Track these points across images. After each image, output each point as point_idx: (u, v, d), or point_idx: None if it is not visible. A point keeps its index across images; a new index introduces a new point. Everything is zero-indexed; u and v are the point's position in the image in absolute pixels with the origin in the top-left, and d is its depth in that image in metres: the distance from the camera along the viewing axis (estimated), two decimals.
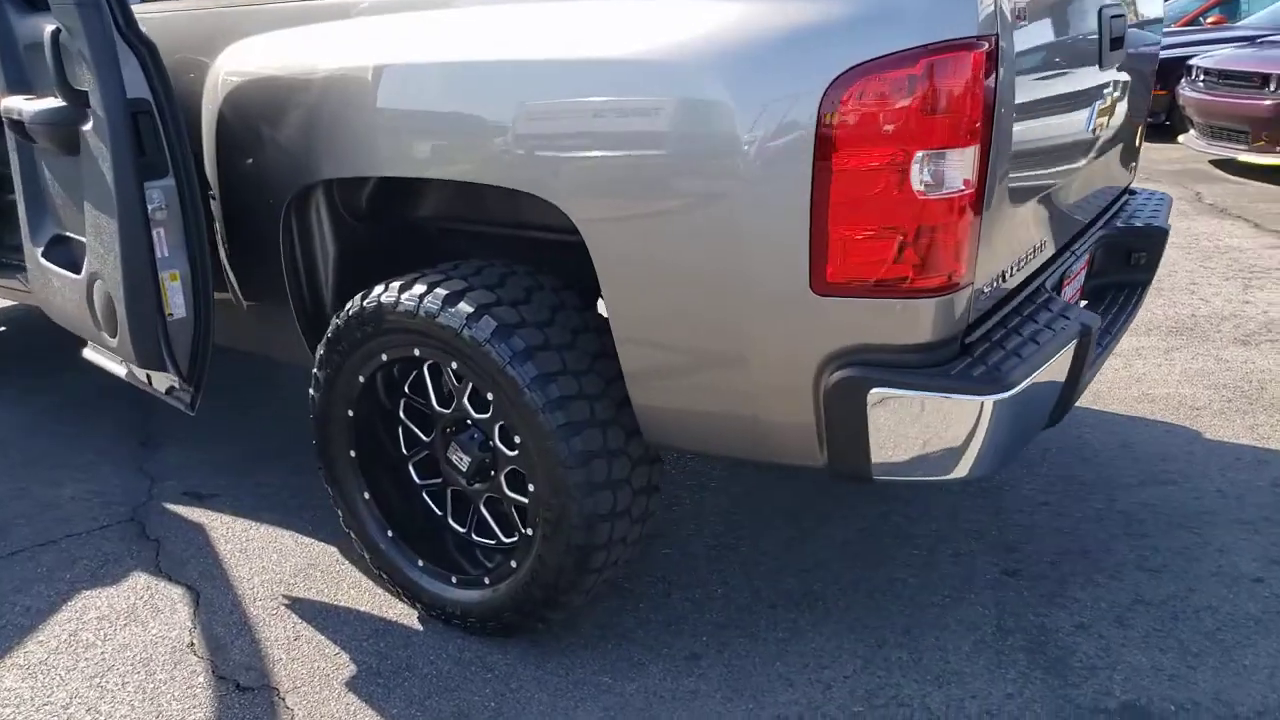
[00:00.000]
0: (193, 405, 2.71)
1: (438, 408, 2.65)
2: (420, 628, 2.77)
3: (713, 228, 2.01)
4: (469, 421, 2.61)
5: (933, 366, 1.99)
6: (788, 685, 2.49)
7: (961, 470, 2.02)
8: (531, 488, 2.43)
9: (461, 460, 2.62)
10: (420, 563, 2.74)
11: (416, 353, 2.52)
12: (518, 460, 2.50)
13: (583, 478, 2.33)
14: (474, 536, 2.76)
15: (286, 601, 2.91)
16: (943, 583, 2.89)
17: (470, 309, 2.37)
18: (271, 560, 3.13)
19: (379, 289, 2.53)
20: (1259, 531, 3.11)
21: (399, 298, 2.46)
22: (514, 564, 2.55)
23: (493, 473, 2.61)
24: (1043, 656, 2.56)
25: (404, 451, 2.83)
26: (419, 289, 2.45)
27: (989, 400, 1.93)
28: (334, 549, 3.18)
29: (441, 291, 2.42)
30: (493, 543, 2.72)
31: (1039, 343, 2.10)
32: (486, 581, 2.62)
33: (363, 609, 2.86)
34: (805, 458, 2.15)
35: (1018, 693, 2.43)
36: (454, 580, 2.68)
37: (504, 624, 2.60)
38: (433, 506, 2.83)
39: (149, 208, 2.49)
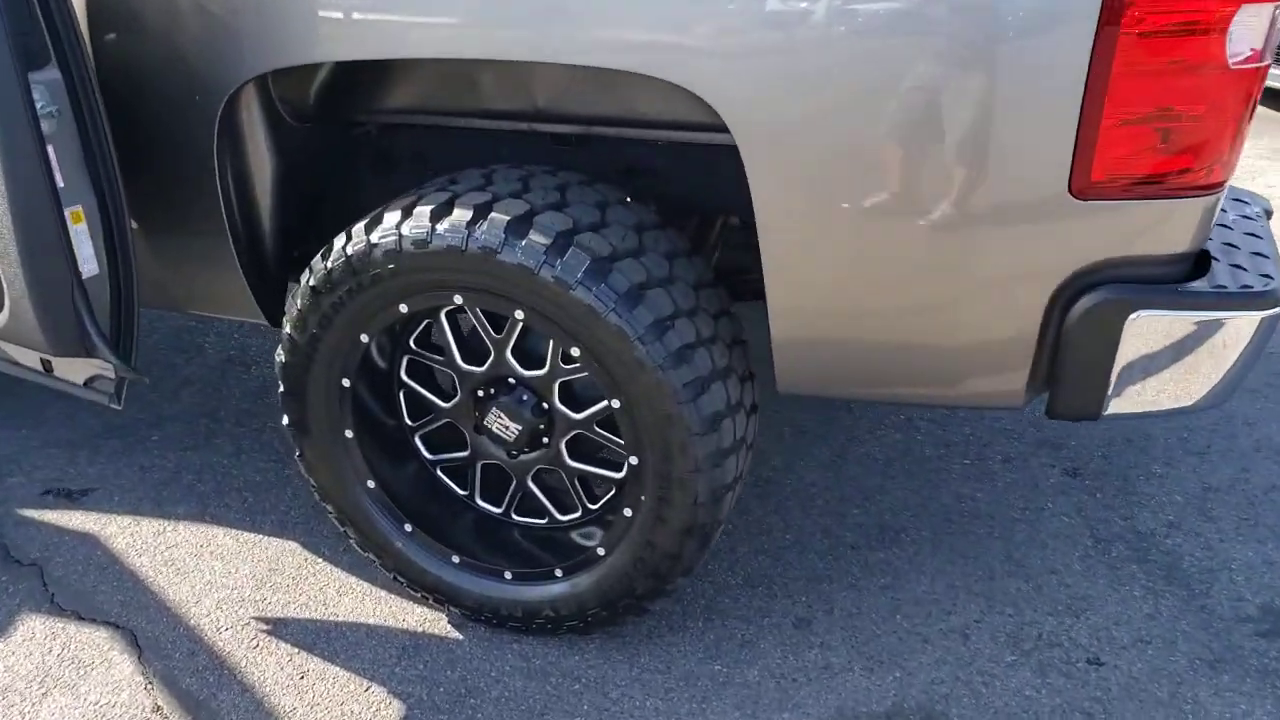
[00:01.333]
0: (120, 395, 1.95)
1: (465, 365, 2.05)
2: (458, 635, 2.22)
3: (936, 116, 1.54)
4: (512, 381, 2.03)
5: (1179, 281, 1.65)
6: (923, 643, 2.18)
7: (1197, 398, 1.72)
8: (634, 460, 1.92)
9: (507, 429, 2.05)
10: (456, 559, 2.17)
11: (458, 301, 1.90)
12: (594, 425, 1.97)
13: (714, 445, 1.85)
14: (514, 517, 2.22)
15: (263, 626, 2.26)
16: (1011, 493, 2.65)
17: (546, 240, 1.78)
18: (215, 572, 2.43)
19: (393, 217, 1.87)
20: (1265, 396, 3.08)
21: (432, 229, 1.82)
22: (602, 551, 2.04)
23: (546, 440, 2.06)
24: (1155, 565, 2.38)
25: (408, 421, 2.21)
26: (462, 215, 1.82)
27: (1260, 316, 1.62)
28: (294, 544, 2.52)
29: (500, 217, 1.80)
30: (543, 522, 2.19)
31: (1259, 235, 1.80)
32: (558, 574, 2.10)
33: (370, 621, 2.26)
34: (1003, 396, 1.78)
35: (1156, 612, 2.25)
36: (508, 576, 2.14)
37: (587, 622, 2.11)
38: (454, 488, 2.25)
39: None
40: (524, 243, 1.78)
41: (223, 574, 2.42)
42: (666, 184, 2.23)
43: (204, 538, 2.54)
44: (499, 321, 1.97)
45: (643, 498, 1.94)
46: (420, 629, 2.24)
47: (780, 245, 1.72)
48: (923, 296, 1.70)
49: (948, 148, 1.56)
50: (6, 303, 1.76)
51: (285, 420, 2.13)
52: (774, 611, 2.27)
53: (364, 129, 2.36)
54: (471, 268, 1.82)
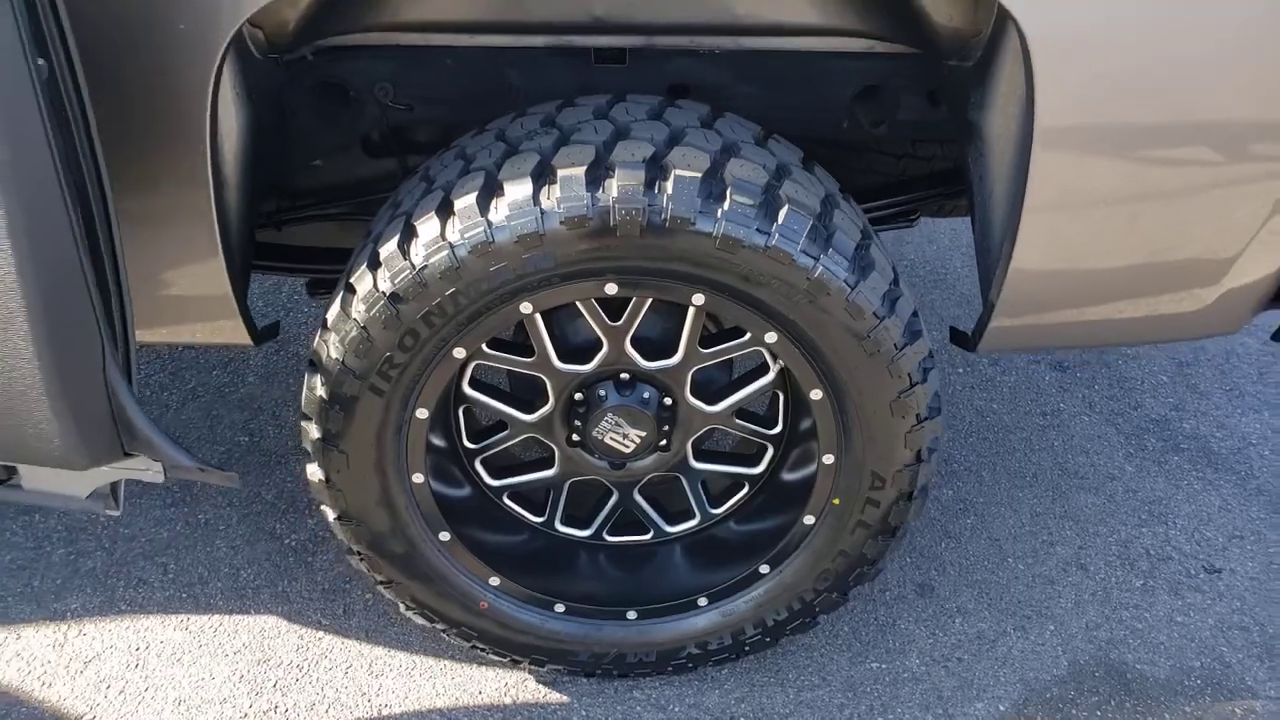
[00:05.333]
0: (119, 497, 1.26)
1: (562, 365, 1.55)
2: (561, 697, 1.77)
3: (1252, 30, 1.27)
4: (627, 376, 1.57)
5: None
6: (1049, 585, 2.04)
7: None
8: (829, 458, 1.55)
9: (625, 436, 1.59)
10: (560, 607, 1.70)
11: (611, 291, 1.40)
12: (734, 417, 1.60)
13: (938, 429, 1.53)
14: (607, 538, 1.78)
15: None
16: (1021, 398, 2.55)
17: (751, 201, 1.33)
18: (181, 684, 1.78)
19: (522, 190, 1.32)
20: None
21: (592, 199, 1.30)
22: (764, 569, 1.67)
23: (665, 444, 1.63)
24: (1191, 453, 2.38)
25: (467, 444, 1.68)
26: (632, 176, 1.31)
27: None
28: (272, 619, 1.90)
29: (687, 174, 1.32)
30: (646, 538, 1.77)
31: None
32: (702, 603, 1.70)
33: (439, 704, 1.76)
34: (1232, 319, 1.61)
35: (1226, 504, 2.25)
36: (632, 615, 1.71)
37: (742, 651, 1.75)
38: (524, 514, 1.76)
39: None
40: (726, 205, 1.32)
41: (193, 685, 1.77)
42: (725, 101, 1.79)
43: (134, 636, 1.85)
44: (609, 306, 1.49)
45: (835, 501, 1.58)
46: (509, 701, 1.76)
47: (1053, 160, 1.39)
48: (1206, 211, 1.45)
49: (1255, 64, 1.31)
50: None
51: (320, 476, 1.52)
52: (889, 583, 2.02)
53: (298, 57, 1.69)
54: (647, 247, 1.33)
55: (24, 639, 1.83)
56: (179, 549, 2.02)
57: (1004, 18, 1.35)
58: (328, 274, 1.92)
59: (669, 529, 1.77)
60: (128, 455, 1.16)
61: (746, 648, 1.74)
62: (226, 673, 1.79)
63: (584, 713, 1.75)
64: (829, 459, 1.55)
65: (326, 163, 1.84)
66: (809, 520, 1.61)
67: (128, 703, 1.74)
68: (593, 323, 1.51)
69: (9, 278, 0.97)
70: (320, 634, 1.86)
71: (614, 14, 1.61)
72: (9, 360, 1.00)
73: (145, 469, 1.21)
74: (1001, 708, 1.79)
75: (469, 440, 1.67)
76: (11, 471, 1.21)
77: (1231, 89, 1.36)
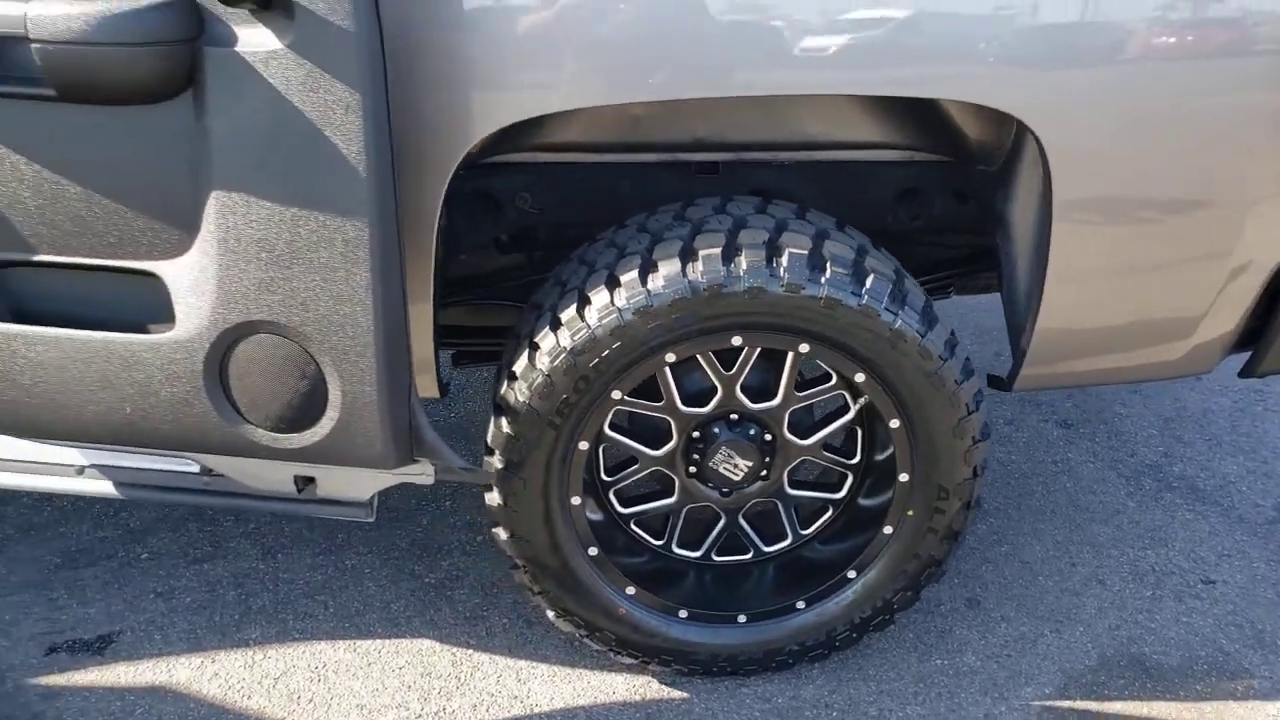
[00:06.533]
0: (374, 505, 1.62)
1: (685, 407, 1.95)
2: (681, 694, 2.11)
3: (1229, 125, 1.73)
4: (736, 416, 1.97)
5: None
6: (1075, 596, 2.40)
7: None
8: (905, 476, 1.94)
9: (736, 467, 1.98)
10: (683, 613, 2.06)
11: (736, 342, 1.81)
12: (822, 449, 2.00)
13: (987, 450, 1.93)
14: (715, 558, 2.15)
15: None
16: (1035, 451, 2.96)
17: (845, 271, 1.76)
18: (358, 694, 2.09)
19: (672, 266, 1.73)
20: None
21: (728, 271, 1.72)
22: (851, 574, 2.04)
23: (765, 473, 2.02)
24: (1182, 491, 2.79)
25: (603, 477, 2.06)
26: (756, 254, 1.73)
27: None
28: (426, 641, 2.22)
29: (797, 251, 1.75)
30: (747, 557, 2.14)
31: None
32: (800, 605, 2.06)
33: (582, 702, 2.08)
34: (1207, 359, 2.04)
35: (1214, 530, 2.64)
36: (742, 619, 2.07)
37: (834, 647, 2.10)
38: (646, 538, 2.13)
39: None
40: (827, 274, 1.74)
41: (370, 694, 2.09)
42: (795, 202, 2.24)
43: (311, 658, 2.17)
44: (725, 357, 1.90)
45: (909, 512, 1.97)
46: (639, 698, 2.09)
47: (1070, 239, 1.82)
48: (1180, 279, 1.89)
49: (1231, 152, 1.76)
50: (333, 415, 1.39)
51: (498, 500, 1.89)
52: (943, 599, 2.38)
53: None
54: (766, 307, 1.74)
55: (219, 662, 2.15)
56: (334, 589, 2.36)
57: (1023, 130, 1.80)
58: (465, 347, 2.33)
59: (766, 549, 2.14)
60: (413, 461, 1.53)
61: (836, 644, 2.09)
62: (396, 684, 2.11)
63: (702, 706, 2.08)
64: (904, 477, 1.94)
65: (469, 257, 2.26)
66: (888, 530, 1.99)
67: (317, 709, 2.05)
68: (711, 374, 1.91)
69: (367, 323, 1.36)
70: (470, 651, 2.20)
71: (711, 135, 2.06)
72: (358, 385, 1.38)
73: (420, 474, 1.57)
74: (1047, 690, 2.14)
75: (605, 474, 2.05)
76: (307, 483, 1.57)
77: (1196, 181, 1.81)
